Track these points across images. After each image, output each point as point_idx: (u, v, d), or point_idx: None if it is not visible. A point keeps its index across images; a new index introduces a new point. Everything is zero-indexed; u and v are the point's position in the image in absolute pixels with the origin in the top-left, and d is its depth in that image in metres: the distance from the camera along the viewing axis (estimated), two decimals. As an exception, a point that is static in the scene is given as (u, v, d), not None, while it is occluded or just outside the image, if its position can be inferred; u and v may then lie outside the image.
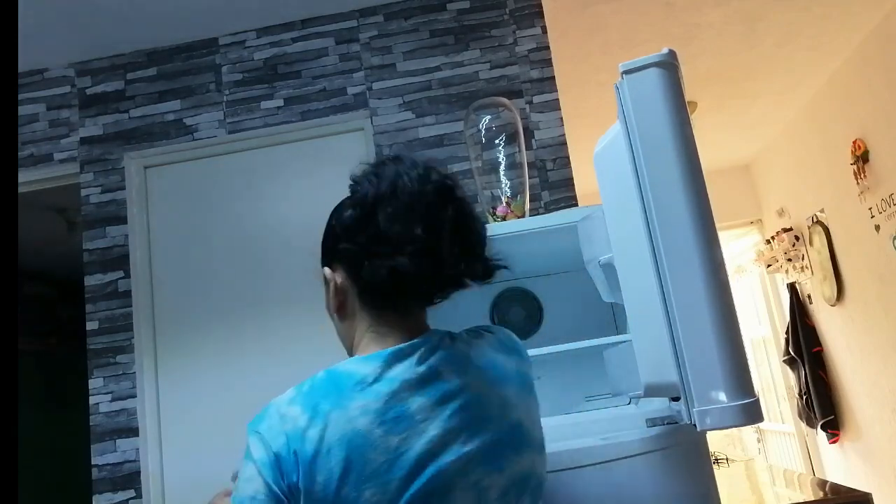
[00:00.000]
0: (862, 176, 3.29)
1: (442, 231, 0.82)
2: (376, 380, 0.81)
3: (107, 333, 2.28)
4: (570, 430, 1.41)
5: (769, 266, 4.60)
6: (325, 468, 0.75)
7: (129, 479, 2.17)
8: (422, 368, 0.82)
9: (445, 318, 1.82)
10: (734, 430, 4.24)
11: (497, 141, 1.77)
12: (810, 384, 4.00)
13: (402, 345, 0.84)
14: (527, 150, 2.00)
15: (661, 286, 1.06)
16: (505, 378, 0.87)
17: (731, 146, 4.41)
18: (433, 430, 0.79)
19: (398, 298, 0.86)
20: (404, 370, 0.82)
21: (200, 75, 2.44)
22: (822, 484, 2.43)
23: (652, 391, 1.20)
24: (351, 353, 0.92)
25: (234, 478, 0.82)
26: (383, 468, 0.76)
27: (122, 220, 2.35)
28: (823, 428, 3.97)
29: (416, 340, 0.85)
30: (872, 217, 3.28)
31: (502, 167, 1.75)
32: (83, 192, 2.40)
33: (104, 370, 2.25)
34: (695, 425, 1.04)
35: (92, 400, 2.24)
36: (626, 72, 1.10)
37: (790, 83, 3.52)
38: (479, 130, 1.80)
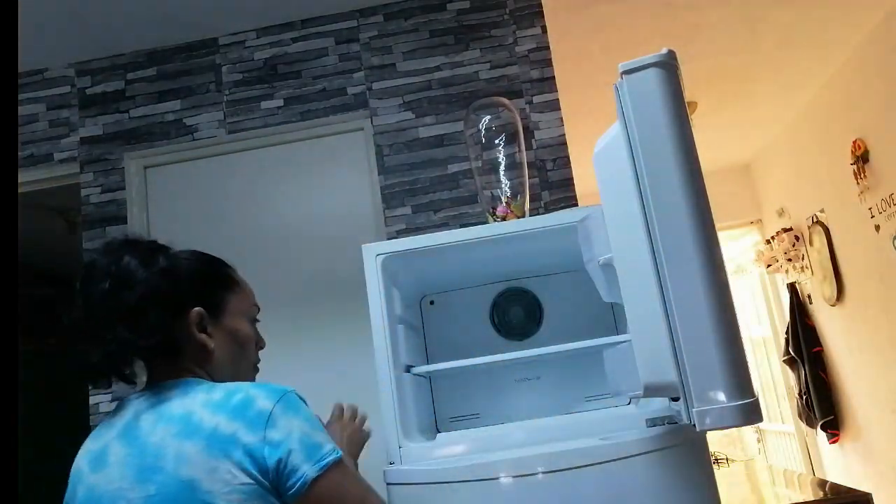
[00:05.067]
0: (862, 176, 3.29)
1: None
2: (103, 424, 0.96)
3: (107, 333, 2.27)
4: (570, 430, 1.41)
5: (769, 266, 4.60)
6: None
7: (129, 478, 2.17)
8: (128, 416, 0.93)
9: (447, 318, 1.82)
10: (734, 430, 4.24)
11: (497, 141, 1.76)
12: (810, 384, 4.00)
13: (133, 392, 0.97)
14: (527, 150, 2.00)
15: (661, 286, 1.07)
16: (194, 433, 0.86)
17: (731, 146, 4.41)
18: (116, 472, 0.88)
19: None
20: (120, 416, 0.94)
21: (200, 75, 2.44)
22: (822, 484, 2.43)
23: (651, 391, 1.20)
24: None
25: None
26: (83, 500, 0.90)
27: (122, 220, 2.35)
28: (823, 428, 3.97)
29: (140, 390, 0.96)
30: (872, 217, 3.28)
31: (502, 167, 1.75)
32: (83, 192, 2.40)
33: (104, 370, 2.25)
34: (694, 425, 1.04)
35: (92, 400, 2.24)
36: (626, 72, 1.10)
37: (790, 83, 3.52)
38: (479, 130, 1.79)
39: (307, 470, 0.86)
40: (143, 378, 0.98)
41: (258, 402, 0.88)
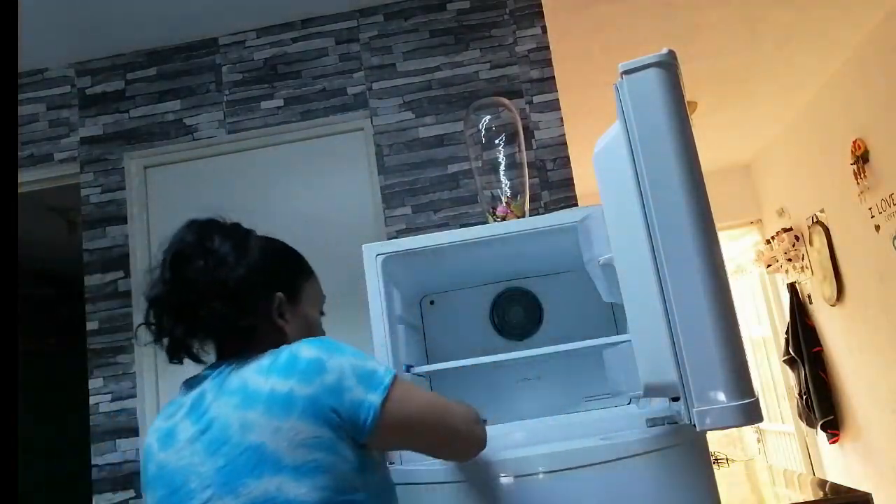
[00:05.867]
0: (862, 176, 3.29)
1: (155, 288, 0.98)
2: (172, 403, 0.99)
3: (107, 333, 2.28)
4: (570, 430, 1.41)
5: (769, 266, 4.60)
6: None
7: (129, 479, 2.17)
8: (194, 394, 0.95)
9: (446, 317, 1.82)
10: (734, 430, 4.24)
11: (497, 141, 1.76)
12: (810, 384, 4.00)
13: (205, 369, 0.99)
14: (527, 150, 2.00)
15: (661, 286, 1.06)
16: (253, 400, 0.87)
17: (731, 146, 4.41)
18: (186, 449, 0.90)
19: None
20: (188, 395, 0.96)
21: (200, 75, 2.44)
22: (822, 484, 2.43)
23: (651, 391, 1.20)
24: None
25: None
26: (153, 477, 0.93)
27: (122, 220, 2.35)
28: (823, 428, 3.97)
29: (205, 370, 0.99)
30: (872, 217, 3.28)
31: (502, 167, 1.75)
32: (83, 192, 2.40)
33: (104, 370, 2.25)
34: (694, 425, 1.04)
35: (92, 400, 2.24)
36: (626, 72, 1.10)
37: (790, 83, 3.52)
38: (479, 130, 1.79)
39: (372, 398, 0.88)
40: (209, 358, 1.01)
41: (303, 353, 0.90)
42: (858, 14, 2.90)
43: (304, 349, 0.91)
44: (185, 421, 0.93)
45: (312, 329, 1.07)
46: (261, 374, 0.90)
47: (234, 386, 0.91)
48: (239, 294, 0.95)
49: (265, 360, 0.92)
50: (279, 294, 1.01)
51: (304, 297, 1.07)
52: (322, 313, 1.13)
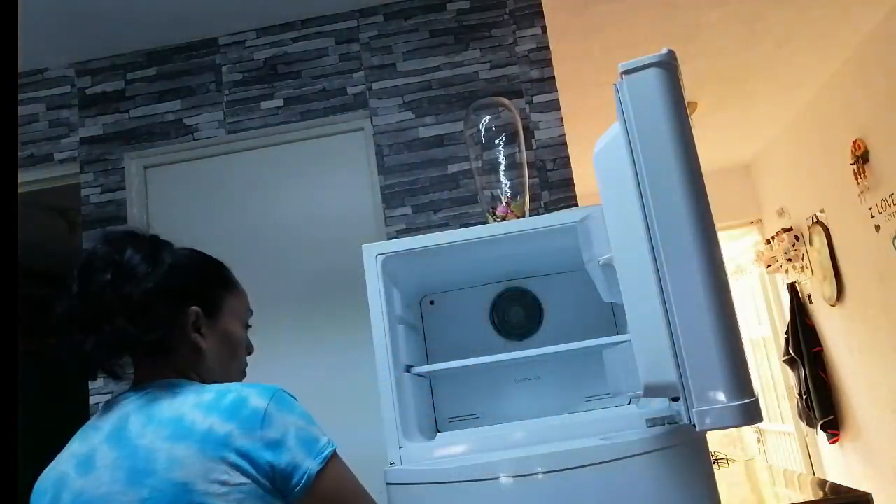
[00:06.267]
0: (862, 176, 3.29)
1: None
2: (89, 426, 0.94)
3: (107, 333, 2.27)
4: (570, 430, 1.41)
5: (769, 266, 4.60)
6: None
7: (129, 479, 2.17)
8: (114, 418, 0.91)
9: (447, 318, 1.82)
10: (734, 430, 4.24)
11: (497, 141, 1.77)
12: (810, 384, 4.00)
13: (120, 393, 0.95)
14: (527, 150, 2.00)
15: (661, 286, 1.07)
16: (186, 435, 0.84)
17: (731, 146, 4.41)
18: (105, 475, 0.86)
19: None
20: (107, 418, 0.92)
21: (200, 75, 2.44)
22: (822, 484, 2.43)
23: (651, 391, 1.20)
24: None
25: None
26: None
27: (122, 220, 2.35)
28: (823, 428, 3.97)
29: (127, 391, 0.95)
30: (872, 217, 3.28)
31: (502, 167, 1.75)
32: (83, 192, 2.40)
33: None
34: (694, 425, 1.04)
35: (92, 400, 2.24)
36: (626, 72, 1.10)
37: (790, 83, 3.52)
38: (479, 130, 1.80)
39: (310, 465, 0.86)
40: (129, 374, 0.96)
41: (251, 400, 0.87)
42: (858, 14, 2.90)
43: (254, 397, 0.88)
44: (105, 447, 0.88)
45: (234, 345, 1.04)
46: (199, 410, 0.87)
47: (165, 416, 0.87)
48: (146, 309, 0.91)
49: (207, 396, 0.89)
50: (195, 308, 0.97)
51: (224, 311, 1.03)
52: (248, 325, 1.09)
